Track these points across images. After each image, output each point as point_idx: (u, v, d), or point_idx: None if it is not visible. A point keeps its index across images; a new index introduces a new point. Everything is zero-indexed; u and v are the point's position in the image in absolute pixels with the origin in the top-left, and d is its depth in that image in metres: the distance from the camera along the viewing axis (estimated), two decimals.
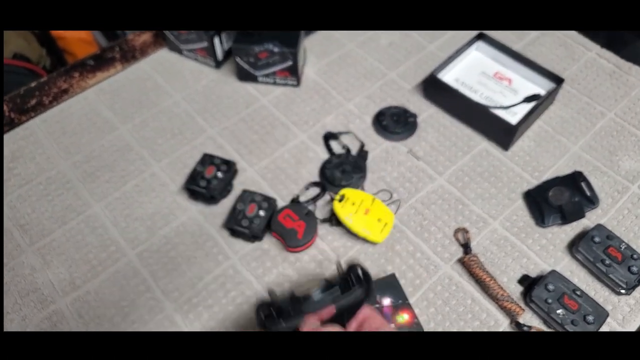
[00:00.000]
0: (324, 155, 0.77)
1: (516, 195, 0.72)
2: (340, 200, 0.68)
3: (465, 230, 0.69)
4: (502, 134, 0.75)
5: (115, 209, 0.72)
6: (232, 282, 0.66)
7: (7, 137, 0.79)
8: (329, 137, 0.78)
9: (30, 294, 0.65)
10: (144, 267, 0.67)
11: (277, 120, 0.81)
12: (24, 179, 0.75)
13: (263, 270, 0.67)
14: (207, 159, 0.73)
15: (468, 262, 0.65)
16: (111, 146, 0.78)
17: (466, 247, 0.67)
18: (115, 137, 0.79)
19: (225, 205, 0.72)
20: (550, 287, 0.61)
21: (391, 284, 0.60)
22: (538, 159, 0.75)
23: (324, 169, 0.74)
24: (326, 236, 0.69)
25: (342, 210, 0.67)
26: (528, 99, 0.78)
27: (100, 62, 0.88)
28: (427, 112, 0.81)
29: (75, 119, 0.81)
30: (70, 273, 0.67)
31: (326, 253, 0.68)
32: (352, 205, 0.68)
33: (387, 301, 0.58)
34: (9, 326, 0.63)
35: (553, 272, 0.63)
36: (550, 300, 0.61)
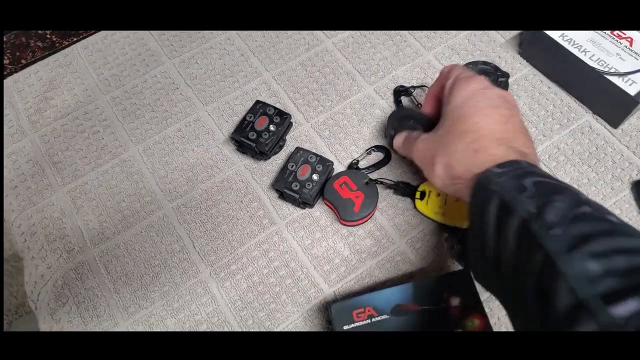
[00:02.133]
0: None
1: (622, 185, 0.59)
2: (421, 199, 0.58)
3: None
4: (614, 107, 0.62)
5: (154, 155, 0.65)
6: (276, 251, 0.58)
7: (45, 62, 0.72)
8: (400, 91, 0.67)
9: (57, 240, 0.60)
10: (181, 223, 0.60)
11: (341, 68, 0.70)
12: (60, 112, 0.68)
13: (311, 242, 0.58)
14: (260, 108, 0.63)
15: None
16: (155, 83, 0.70)
17: None
18: (160, 72, 0.71)
19: (276, 162, 0.63)
20: None
21: (463, 281, 0.50)
22: None
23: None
24: (387, 209, 0.60)
25: (428, 208, 0.57)
26: None
27: None
28: (521, 73, 0.68)
29: (118, 48, 0.73)
30: (100, 222, 0.61)
31: (385, 230, 0.58)
32: (438, 196, 0.57)
33: (456, 301, 0.49)
34: (34, 272, 0.58)
35: None
36: None
